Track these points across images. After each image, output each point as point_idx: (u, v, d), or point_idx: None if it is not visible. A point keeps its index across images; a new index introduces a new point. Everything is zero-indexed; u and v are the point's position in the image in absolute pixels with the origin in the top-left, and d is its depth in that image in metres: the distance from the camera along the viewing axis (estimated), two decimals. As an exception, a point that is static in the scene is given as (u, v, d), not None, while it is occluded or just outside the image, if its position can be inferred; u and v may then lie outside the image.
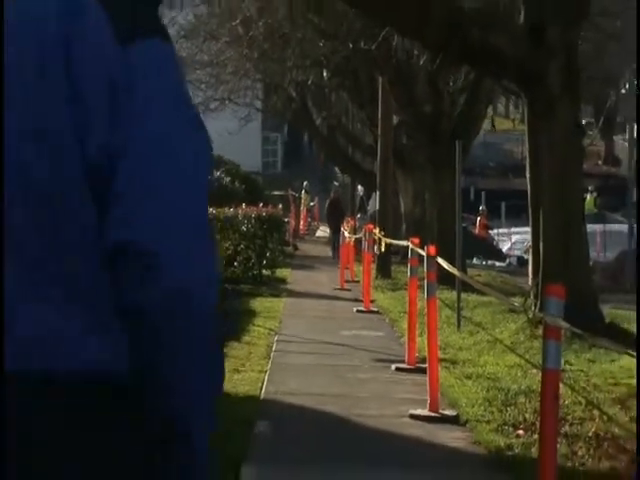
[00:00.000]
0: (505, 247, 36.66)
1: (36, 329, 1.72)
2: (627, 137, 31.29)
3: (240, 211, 22.99)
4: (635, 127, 29.86)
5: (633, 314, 17.71)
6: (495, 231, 38.82)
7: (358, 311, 16.01)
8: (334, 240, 29.71)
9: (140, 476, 1.80)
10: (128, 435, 1.80)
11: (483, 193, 44.11)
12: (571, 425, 7.71)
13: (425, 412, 8.31)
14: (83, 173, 1.69)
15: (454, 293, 14.16)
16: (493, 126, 59.57)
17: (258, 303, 16.79)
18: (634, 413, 8.21)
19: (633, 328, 13.76)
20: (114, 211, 1.68)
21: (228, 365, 10.80)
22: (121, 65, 1.71)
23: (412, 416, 8.30)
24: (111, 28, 1.72)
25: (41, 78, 1.70)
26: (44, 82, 1.70)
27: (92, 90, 1.71)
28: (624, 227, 25.42)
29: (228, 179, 32.40)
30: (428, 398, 8.41)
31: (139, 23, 1.77)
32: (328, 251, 31.91)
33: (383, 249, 19.04)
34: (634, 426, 7.76)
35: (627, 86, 38.04)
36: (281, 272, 22.96)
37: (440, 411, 8.33)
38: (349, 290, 19.65)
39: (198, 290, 1.71)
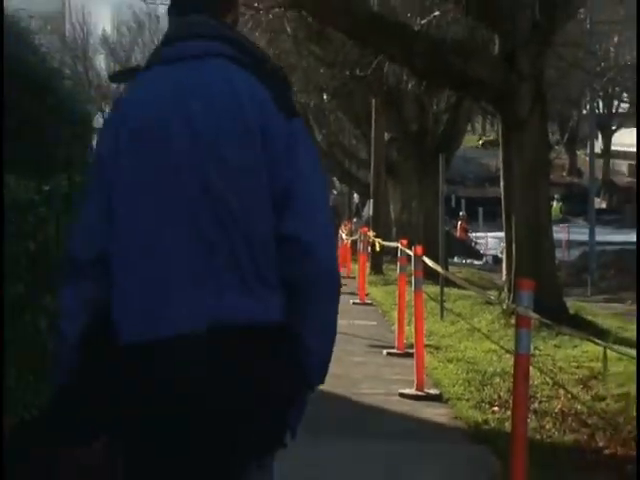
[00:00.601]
0: (482, 247, 36.68)
1: (226, 298, 2.39)
2: (588, 151, 31.29)
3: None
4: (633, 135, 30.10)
5: (594, 306, 17.77)
6: (473, 234, 38.83)
7: (354, 303, 16.04)
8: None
9: (275, 387, 2.41)
10: (269, 362, 2.41)
11: (463, 200, 44.11)
12: (540, 402, 7.73)
13: (412, 391, 8.33)
14: (269, 192, 2.44)
15: (438, 287, 14.16)
16: (482, 145, 59.65)
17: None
18: (595, 392, 8.23)
19: (594, 318, 13.79)
20: (288, 216, 2.44)
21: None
22: (289, 132, 2.50)
23: (401, 394, 8.31)
24: (281, 112, 2.51)
25: (248, 139, 2.46)
26: (250, 140, 2.46)
27: (277, 145, 2.48)
28: (585, 230, 25.42)
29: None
30: (415, 379, 8.43)
31: (291, 107, 2.57)
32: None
33: (378, 249, 19.03)
34: (595, 403, 7.77)
35: (587, 107, 38.00)
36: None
37: (425, 390, 8.35)
38: (346, 285, 19.62)
39: (332, 267, 2.52)
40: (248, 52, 2.58)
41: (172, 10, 2.64)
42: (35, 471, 4.91)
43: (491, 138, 54.77)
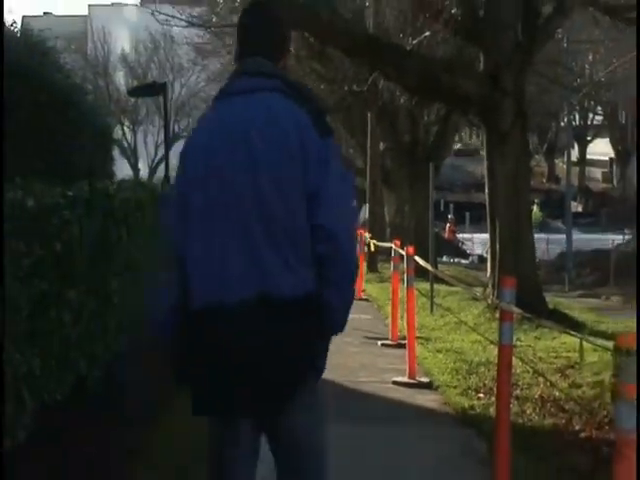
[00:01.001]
0: (468, 248, 36.68)
1: (275, 271, 2.94)
2: (565, 160, 31.31)
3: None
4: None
5: (571, 301, 17.79)
6: (461, 235, 38.81)
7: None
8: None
9: (313, 343, 3.04)
10: (312, 328, 2.99)
11: (451, 205, 44.14)
12: (521, 389, 7.73)
13: (405, 379, 8.33)
14: (304, 194, 2.97)
15: (428, 284, 14.16)
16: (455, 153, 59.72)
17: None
18: (572, 380, 8.23)
19: (571, 312, 13.80)
20: (317, 211, 2.95)
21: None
22: (323, 148, 3.02)
23: (394, 382, 8.31)
24: (316, 131, 3.03)
25: (292, 156, 2.98)
26: (293, 157, 2.98)
27: (312, 159, 2.99)
28: (563, 233, 25.45)
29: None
30: (407, 368, 8.44)
31: (325, 128, 3.09)
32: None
33: (373, 249, 19.00)
34: (572, 390, 7.77)
35: (565, 119, 38.01)
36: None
37: (417, 378, 8.35)
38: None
39: (348, 248, 3.05)
40: (294, 87, 3.17)
41: (243, 51, 3.23)
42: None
43: (460, 147, 54.85)
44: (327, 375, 9.78)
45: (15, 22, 8.06)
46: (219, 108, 3.18)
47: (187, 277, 3.00)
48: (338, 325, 3.12)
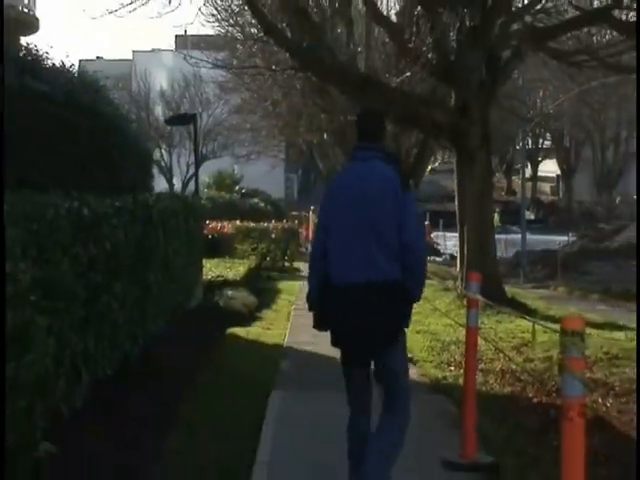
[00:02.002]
0: (442, 248, 36.63)
1: (376, 268, 3.92)
2: (520, 177, 31.33)
3: (271, 224, 22.98)
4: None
5: (525, 291, 17.75)
6: (435, 236, 38.75)
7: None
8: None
9: (401, 314, 4.04)
10: (399, 299, 3.97)
11: (428, 213, 44.04)
12: (485, 363, 7.72)
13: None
14: (397, 225, 3.92)
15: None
16: (430, 171, 59.76)
17: (282, 284, 16.78)
18: (526, 356, 8.21)
19: (525, 301, 13.78)
20: (402, 234, 3.92)
21: (263, 324, 10.82)
22: (405, 198, 3.99)
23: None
24: (402, 188, 3.99)
25: (390, 200, 3.96)
26: (391, 201, 3.96)
27: (399, 203, 3.96)
28: (518, 235, 25.40)
29: (262, 204, 32.38)
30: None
31: (407, 186, 4.06)
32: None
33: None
34: (526, 364, 7.75)
35: (520, 143, 38.00)
36: (297, 264, 22.91)
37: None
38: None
39: (421, 257, 4.07)
40: (390, 157, 4.21)
41: (361, 135, 4.24)
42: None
43: (437, 166, 54.81)
44: (327, 352, 9.74)
45: (73, 64, 8.04)
46: (349, 168, 4.36)
47: (329, 266, 4.01)
48: (415, 297, 4.10)
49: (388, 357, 4.05)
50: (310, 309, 4.18)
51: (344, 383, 4.30)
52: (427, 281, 16.23)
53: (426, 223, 40.14)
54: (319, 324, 4.12)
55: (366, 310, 3.89)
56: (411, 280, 3.98)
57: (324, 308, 4.05)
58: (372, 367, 4.15)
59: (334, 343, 4.11)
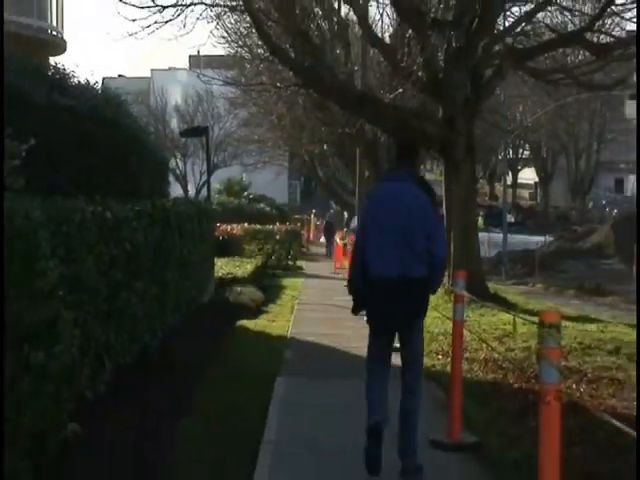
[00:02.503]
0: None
1: (407, 267, 4.34)
2: (502, 183, 31.32)
3: (275, 227, 22.97)
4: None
5: (506, 288, 17.74)
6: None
7: (345, 286, 15.91)
8: (327, 245, 29.72)
9: (420, 302, 4.47)
10: (420, 291, 4.43)
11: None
12: (470, 353, 7.70)
13: (384, 345, 8.30)
14: (425, 235, 4.33)
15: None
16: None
17: (286, 281, 16.78)
18: (507, 346, 8.20)
19: (506, 296, 13.77)
20: (432, 245, 4.33)
21: (268, 317, 10.82)
22: (433, 214, 4.44)
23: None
24: (431, 205, 4.42)
25: (421, 214, 4.38)
26: (422, 215, 4.37)
27: (428, 218, 4.39)
28: (500, 236, 25.34)
29: (268, 208, 32.36)
30: (386, 337, 8.40)
31: (435, 203, 4.51)
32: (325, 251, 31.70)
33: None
34: (507, 353, 7.75)
35: (502, 153, 38.00)
36: (299, 263, 22.93)
37: (396, 343, 8.30)
38: (339, 273, 19.61)
39: (443, 262, 4.51)
40: (421, 181, 4.63)
41: (399, 159, 4.71)
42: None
43: (424, 174, 54.81)
44: (326, 342, 9.70)
45: (97, 82, 8.03)
46: (385, 186, 4.72)
47: (366, 263, 4.44)
48: (434, 290, 4.64)
49: (411, 341, 4.53)
50: (351, 293, 4.74)
51: (369, 350, 4.75)
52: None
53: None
54: (356, 309, 4.70)
55: (396, 297, 4.37)
56: (434, 279, 4.49)
57: (364, 294, 4.54)
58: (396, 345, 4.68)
59: (370, 319, 4.60)
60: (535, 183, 54.59)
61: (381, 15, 40.88)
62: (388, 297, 4.38)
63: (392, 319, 4.44)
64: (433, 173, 56.54)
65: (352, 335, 9.33)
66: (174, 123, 42.22)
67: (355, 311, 4.69)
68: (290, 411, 5.70)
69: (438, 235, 4.45)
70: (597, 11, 13.13)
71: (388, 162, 22.94)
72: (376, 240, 4.43)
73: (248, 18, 16.03)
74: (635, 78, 16.01)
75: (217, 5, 16.11)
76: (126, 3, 13.77)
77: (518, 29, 14.06)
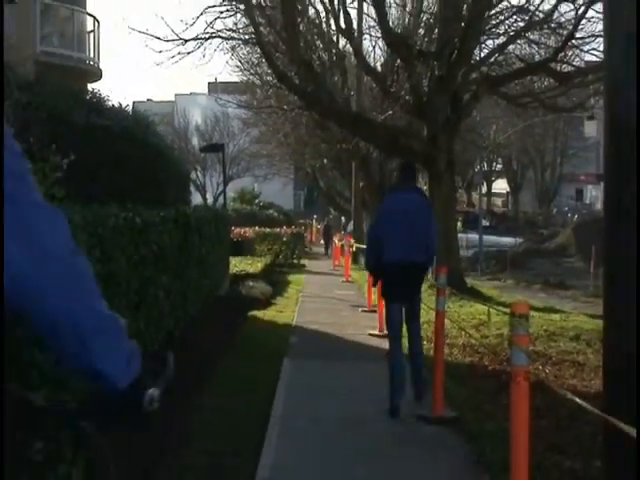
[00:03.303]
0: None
1: (415, 255, 5.05)
2: (478, 192, 31.30)
3: (282, 230, 22.95)
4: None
5: (482, 283, 17.71)
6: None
7: (342, 281, 15.96)
8: (326, 245, 29.77)
9: (421, 279, 5.29)
10: (421, 271, 5.23)
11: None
12: (450, 339, 7.69)
13: (376, 332, 8.29)
14: (425, 229, 5.12)
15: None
16: None
17: (291, 277, 16.75)
18: (482, 333, 8.18)
19: (482, 290, 13.75)
20: (429, 237, 5.12)
21: (276, 308, 10.80)
22: (431, 214, 5.28)
23: (370, 334, 8.27)
24: (429, 208, 5.45)
25: (424, 214, 5.16)
26: (424, 215, 5.18)
27: (428, 217, 5.18)
28: (476, 237, 25.31)
29: (276, 214, 32.34)
30: (377, 325, 8.41)
31: (430, 205, 5.86)
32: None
33: (355, 250, 18.97)
34: (483, 339, 7.73)
35: (478, 167, 37.99)
36: (303, 261, 22.90)
37: (384, 332, 8.29)
38: (338, 270, 19.61)
39: (435, 250, 5.40)
40: (421, 192, 5.47)
41: (403, 177, 5.44)
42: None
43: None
44: (326, 329, 9.65)
45: (128, 105, 8.04)
46: (396, 195, 5.31)
47: (382, 250, 5.04)
48: (428, 268, 5.43)
49: (416, 303, 5.33)
50: (369, 271, 5.86)
51: (387, 319, 5.26)
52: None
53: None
54: (374, 282, 5.82)
55: (406, 275, 5.06)
56: (429, 262, 5.30)
57: (381, 274, 5.26)
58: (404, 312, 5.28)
59: (384, 292, 5.36)
60: (507, 192, 54.53)
61: (373, 47, 41.03)
62: (400, 276, 5.04)
63: (404, 290, 5.15)
64: (418, 183, 56.55)
65: (347, 323, 9.35)
66: (195, 141, 42.21)
67: (374, 284, 6.19)
68: (294, 383, 5.70)
69: (433, 232, 5.19)
70: (560, 44, 13.11)
71: (379, 174, 22.95)
72: (391, 234, 5.06)
73: (259, 50, 16.05)
74: (592, 101, 16.01)
75: (232, 38, 16.16)
76: (153, 37, 13.77)
77: (492, 59, 14.06)
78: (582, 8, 12.05)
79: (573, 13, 12.46)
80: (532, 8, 12.94)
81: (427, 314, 9.70)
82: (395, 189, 5.57)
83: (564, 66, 14.59)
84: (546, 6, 24.25)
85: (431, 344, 7.04)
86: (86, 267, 1.15)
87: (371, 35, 20.08)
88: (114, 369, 1.12)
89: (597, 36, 13.01)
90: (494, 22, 13.45)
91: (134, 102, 41.41)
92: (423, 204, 5.22)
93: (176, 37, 13.82)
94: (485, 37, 14.01)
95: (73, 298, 1.09)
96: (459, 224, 37.83)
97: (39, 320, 1.08)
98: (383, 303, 5.59)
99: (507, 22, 13.46)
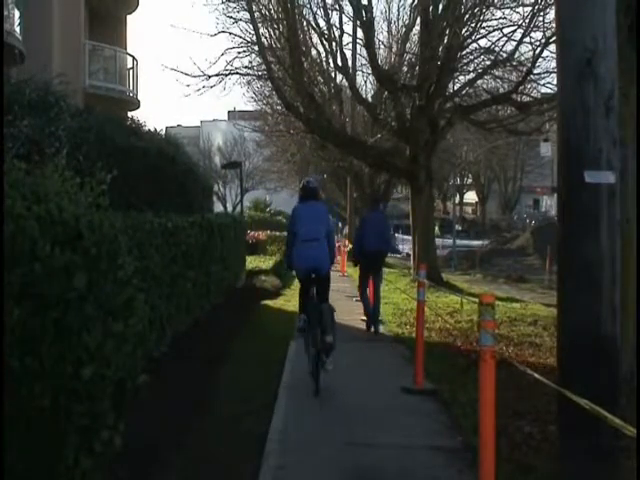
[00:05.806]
0: (401, 248, 36.52)
1: (381, 244, 7.15)
2: (452, 202, 31.26)
3: (289, 233, 22.88)
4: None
5: (455, 277, 17.68)
6: (397, 239, 38.64)
7: (340, 276, 15.94)
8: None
9: (384, 259, 7.51)
10: (384, 255, 7.41)
11: (392, 226, 43.75)
12: (429, 324, 7.67)
13: (366, 318, 8.26)
14: (387, 233, 7.46)
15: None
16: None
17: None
18: (456, 319, 8.14)
19: (455, 283, 13.70)
20: (388, 237, 7.39)
21: (284, 298, 10.75)
22: (387, 222, 7.60)
23: (362, 320, 8.23)
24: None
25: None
26: (382, 222, 7.23)
27: (387, 227, 7.59)
28: (450, 240, 25.26)
29: (284, 220, 32.30)
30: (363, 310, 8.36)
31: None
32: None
33: (349, 249, 18.92)
34: (456, 324, 7.69)
35: (452, 181, 37.99)
36: (306, 259, 22.78)
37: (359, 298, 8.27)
38: (335, 266, 19.57)
39: (391, 244, 8.73)
40: (382, 211, 7.00)
41: (373, 202, 7.74)
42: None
43: (396, 195, 54.78)
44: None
45: (161, 129, 8.06)
46: (371, 213, 7.22)
47: (362, 243, 6.84)
48: (387, 253, 7.15)
49: (379, 274, 7.18)
50: (354, 256, 7.22)
51: (361, 280, 7.19)
52: (391, 269, 16.32)
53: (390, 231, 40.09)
54: (355, 264, 7.26)
55: (376, 256, 6.92)
56: (389, 250, 7.31)
57: (361, 257, 6.98)
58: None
59: (361, 267, 7.09)
60: (476, 202, 54.42)
61: (365, 82, 40.85)
62: (372, 257, 6.92)
63: (374, 265, 7.05)
64: (401, 194, 56.65)
65: (342, 310, 9.33)
66: (217, 159, 42.16)
67: (355, 264, 7.31)
68: (300, 363, 5.69)
69: (389, 232, 7.19)
70: (520, 79, 13.09)
71: (370, 187, 22.94)
72: (366, 233, 6.88)
73: (270, 84, 16.07)
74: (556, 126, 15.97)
75: (248, 74, 16.13)
76: (182, 73, 13.75)
77: (463, 92, 14.03)
78: (538, 49, 12.04)
79: (531, 53, 12.42)
80: (497, 49, 12.94)
81: (410, 303, 9.72)
82: (369, 210, 7.72)
83: (524, 97, 14.56)
84: (508, 47, 24.30)
85: (413, 328, 7.04)
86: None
87: (363, 72, 20.13)
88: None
89: (551, 72, 13.03)
90: (465, 61, 13.45)
91: (166, 127, 41.46)
92: (383, 218, 7.37)
93: (201, 73, 13.83)
94: (457, 73, 14.00)
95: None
96: (436, 229, 37.91)
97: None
98: (359, 274, 7.26)
99: (476, 61, 13.46)
